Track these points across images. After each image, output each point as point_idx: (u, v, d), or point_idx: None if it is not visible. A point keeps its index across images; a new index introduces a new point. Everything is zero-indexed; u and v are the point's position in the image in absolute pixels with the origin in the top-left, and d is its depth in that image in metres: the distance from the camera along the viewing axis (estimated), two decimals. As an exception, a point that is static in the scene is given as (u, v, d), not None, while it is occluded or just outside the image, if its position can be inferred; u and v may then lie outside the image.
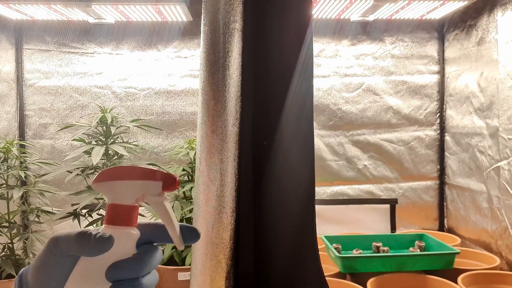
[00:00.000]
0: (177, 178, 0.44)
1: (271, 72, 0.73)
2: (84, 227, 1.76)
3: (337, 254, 1.70)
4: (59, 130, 2.18)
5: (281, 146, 0.74)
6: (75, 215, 1.76)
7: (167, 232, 0.44)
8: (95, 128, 1.76)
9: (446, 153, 2.31)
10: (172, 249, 1.78)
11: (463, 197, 2.15)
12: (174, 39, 2.25)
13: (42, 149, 2.23)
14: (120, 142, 1.79)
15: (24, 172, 1.73)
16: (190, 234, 0.45)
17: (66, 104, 2.23)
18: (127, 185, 0.43)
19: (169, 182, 0.44)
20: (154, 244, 0.45)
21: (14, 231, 1.72)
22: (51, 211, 1.79)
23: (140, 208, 0.48)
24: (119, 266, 0.41)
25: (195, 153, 1.77)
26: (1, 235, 1.71)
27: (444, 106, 2.31)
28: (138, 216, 0.46)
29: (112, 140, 1.78)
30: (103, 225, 0.44)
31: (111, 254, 0.41)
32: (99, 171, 0.45)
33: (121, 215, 0.43)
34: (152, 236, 0.45)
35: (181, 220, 1.82)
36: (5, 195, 1.71)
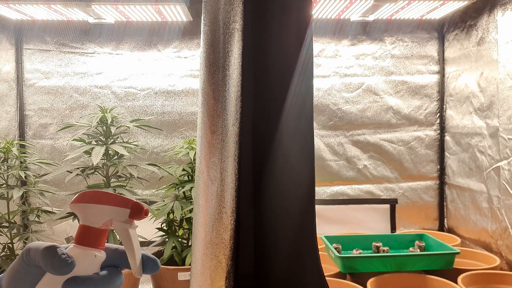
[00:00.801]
0: (145, 208, 0.47)
1: (271, 72, 0.73)
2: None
3: (337, 254, 1.70)
4: (59, 130, 2.18)
5: (281, 146, 0.74)
6: (75, 215, 1.76)
7: None
8: (95, 128, 1.76)
9: (446, 153, 2.31)
10: (172, 249, 1.78)
11: (463, 197, 2.15)
12: (174, 39, 2.25)
13: (42, 149, 2.23)
14: (120, 142, 1.79)
15: (24, 172, 1.73)
16: (150, 264, 0.47)
17: (66, 104, 2.23)
18: (97, 208, 0.46)
19: (136, 210, 0.46)
20: (118, 268, 0.48)
21: (14, 231, 1.72)
22: (51, 211, 1.79)
23: None
24: (76, 281, 0.44)
25: (195, 153, 1.77)
26: (1, 235, 1.71)
27: (444, 106, 2.31)
28: None
29: (112, 140, 1.78)
30: (72, 243, 0.46)
31: (74, 272, 0.44)
32: (78, 193, 0.48)
33: (90, 236, 0.46)
34: (117, 261, 0.48)
35: (181, 220, 1.82)
36: (5, 195, 1.71)
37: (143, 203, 0.49)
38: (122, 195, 0.48)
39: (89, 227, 0.46)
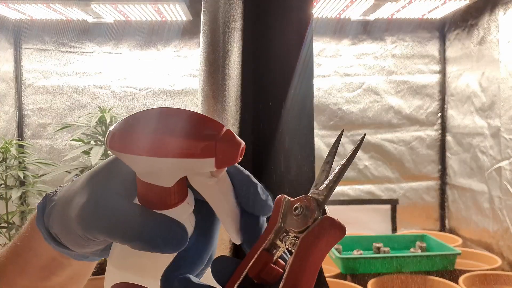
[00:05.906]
0: (242, 145, 0.28)
1: (271, 72, 0.73)
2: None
3: (337, 254, 1.69)
4: (58, 130, 2.17)
5: (281, 146, 0.74)
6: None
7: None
8: (94, 128, 1.75)
9: (447, 153, 2.30)
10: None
11: (464, 197, 2.14)
12: (173, 39, 2.24)
13: (41, 149, 2.22)
14: (120, 142, 1.78)
15: (23, 172, 1.72)
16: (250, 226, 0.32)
17: (65, 104, 2.22)
18: (161, 163, 0.27)
19: (226, 155, 0.27)
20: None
21: (13, 231, 1.71)
22: (50, 211, 1.78)
23: None
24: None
25: (194, 153, 1.76)
26: (0, 236, 1.70)
27: (445, 106, 2.30)
28: None
29: (111, 140, 1.77)
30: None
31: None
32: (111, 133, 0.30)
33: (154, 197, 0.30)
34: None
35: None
36: (4, 196, 1.70)
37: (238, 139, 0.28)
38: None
39: (152, 186, 0.29)
